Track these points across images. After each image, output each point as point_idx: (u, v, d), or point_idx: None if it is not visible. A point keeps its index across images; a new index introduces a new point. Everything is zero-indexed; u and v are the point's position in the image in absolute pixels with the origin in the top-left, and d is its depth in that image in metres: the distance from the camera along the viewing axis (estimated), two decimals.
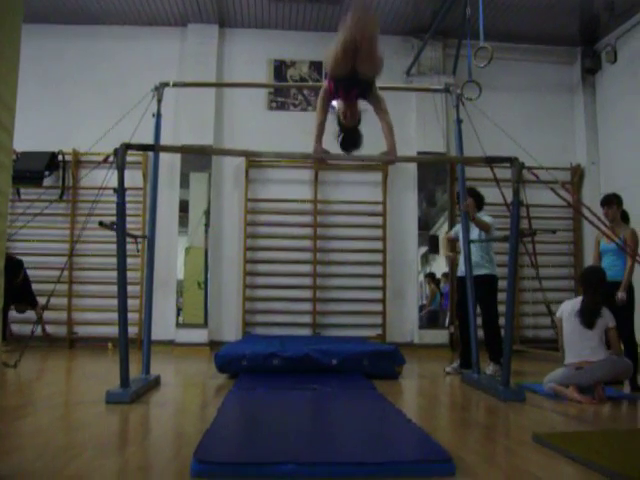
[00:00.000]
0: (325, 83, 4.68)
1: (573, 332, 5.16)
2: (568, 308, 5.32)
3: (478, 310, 6.28)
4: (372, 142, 4.73)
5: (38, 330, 7.98)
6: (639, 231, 6.02)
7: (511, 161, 4.92)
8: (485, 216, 6.55)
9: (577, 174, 9.72)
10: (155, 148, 5.61)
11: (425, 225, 9.57)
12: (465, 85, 7.01)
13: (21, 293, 8.22)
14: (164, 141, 6.52)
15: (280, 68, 9.79)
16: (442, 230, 9.32)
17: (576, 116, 10.04)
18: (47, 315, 8.27)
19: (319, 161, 4.73)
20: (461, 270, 6.67)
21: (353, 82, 4.41)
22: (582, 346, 5.06)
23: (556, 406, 4.72)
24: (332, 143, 4.63)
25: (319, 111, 4.68)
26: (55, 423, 3.94)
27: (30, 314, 8.46)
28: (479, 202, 6.65)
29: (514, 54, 9.84)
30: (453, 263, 7.95)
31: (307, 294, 9.30)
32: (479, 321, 6.31)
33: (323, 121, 4.63)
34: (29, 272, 8.45)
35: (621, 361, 5.14)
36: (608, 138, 9.59)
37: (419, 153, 9.27)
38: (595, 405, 4.76)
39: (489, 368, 6.31)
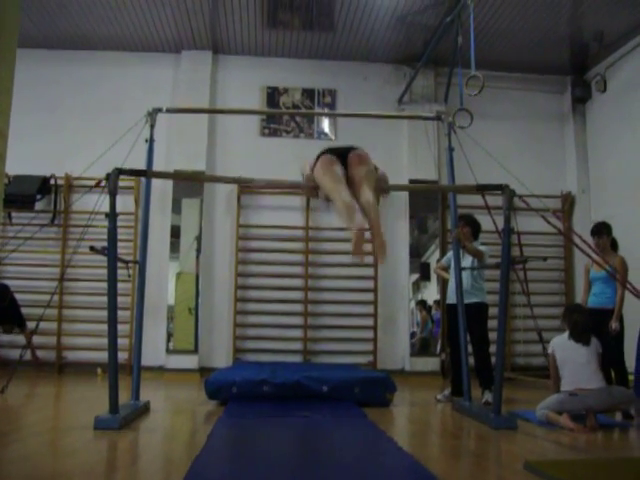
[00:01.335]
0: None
1: (568, 359, 5.15)
2: (559, 341, 5.34)
3: (469, 338, 6.27)
4: None
5: (27, 355, 7.91)
6: (630, 259, 6.07)
7: (502, 189, 4.94)
8: (480, 245, 6.56)
9: (568, 202, 9.77)
10: (147, 174, 5.62)
11: (416, 252, 9.57)
12: (456, 113, 7.05)
13: (7, 315, 8.18)
14: (157, 166, 6.54)
15: (273, 95, 9.84)
16: (433, 258, 9.33)
17: (566, 144, 10.11)
18: (36, 340, 8.20)
19: (311, 189, 4.67)
20: (450, 298, 6.67)
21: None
22: (579, 372, 5.05)
23: (548, 434, 4.70)
24: None
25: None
26: (43, 449, 3.89)
27: (19, 338, 8.42)
28: (475, 230, 6.65)
29: (505, 83, 9.92)
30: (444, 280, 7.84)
31: (298, 321, 9.26)
32: (470, 349, 6.30)
33: None
34: (19, 296, 8.41)
35: (620, 392, 5.13)
36: (598, 166, 9.66)
37: (410, 181, 9.30)
38: (587, 433, 4.74)
39: (484, 396, 6.26)
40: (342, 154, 4.36)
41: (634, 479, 3.32)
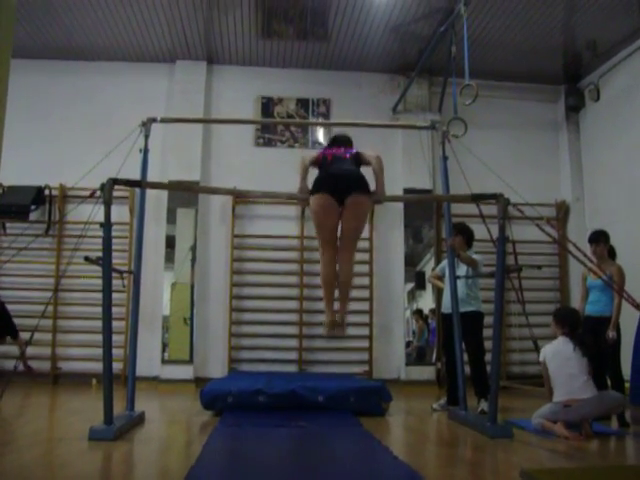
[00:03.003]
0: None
1: (560, 370, 5.14)
2: (549, 350, 5.33)
3: (464, 346, 6.26)
4: None
5: (21, 366, 7.87)
6: (625, 267, 6.07)
7: (497, 198, 4.96)
8: (474, 254, 6.56)
9: (562, 210, 9.78)
10: (142, 184, 5.62)
11: (411, 261, 9.57)
12: (451, 122, 7.06)
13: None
14: (151, 176, 6.54)
15: (267, 105, 9.85)
16: (428, 267, 9.32)
17: (560, 153, 10.14)
18: (31, 350, 8.16)
19: (304, 200, 4.77)
20: (445, 307, 6.66)
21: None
22: (570, 384, 5.03)
23: (544, 442, 4.69)
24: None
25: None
26: (37, 461, 3.86)
27: (14, 349, 8.36)
28: (469, 239, 6.65)
29: (499, 92, 9.95)
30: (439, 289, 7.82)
31: (293, 330, 9.24)
32: (465, 357, 6.29)
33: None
34: (13, 307, 8.36)
35: (610, 396, 5.13)
36: (592, 174, 9.69)
37: (405, 190, 9.30)
38: (583, 441, 4.74)
39: (480, 405, 6.25)
40: (342, 187, 4.59)
41: None
